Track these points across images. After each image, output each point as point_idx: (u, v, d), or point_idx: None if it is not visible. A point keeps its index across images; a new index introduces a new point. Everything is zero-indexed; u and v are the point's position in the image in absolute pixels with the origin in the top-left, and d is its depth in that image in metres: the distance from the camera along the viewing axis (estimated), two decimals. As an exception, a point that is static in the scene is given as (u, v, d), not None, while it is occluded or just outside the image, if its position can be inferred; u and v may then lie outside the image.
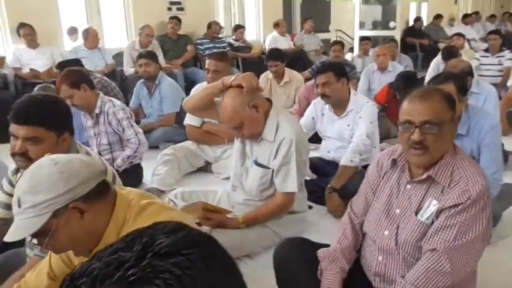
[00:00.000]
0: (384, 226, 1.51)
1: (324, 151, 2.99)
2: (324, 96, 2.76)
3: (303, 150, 2.08)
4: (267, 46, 7.28)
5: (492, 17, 12.25)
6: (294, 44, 7.58)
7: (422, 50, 9.42)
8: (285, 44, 7.29)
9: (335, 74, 2.75)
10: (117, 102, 3.00)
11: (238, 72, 6.24)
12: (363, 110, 2.73)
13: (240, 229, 2.06)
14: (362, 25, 9.92)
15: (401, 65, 6.12)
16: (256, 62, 6.82)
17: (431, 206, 1.41)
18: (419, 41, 9.62)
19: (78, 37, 5.74)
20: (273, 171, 2.09)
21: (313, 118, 2.96)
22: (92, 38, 5.27)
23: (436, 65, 5.56)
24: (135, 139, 2.91)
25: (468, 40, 10.64)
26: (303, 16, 9.22)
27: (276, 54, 4.56)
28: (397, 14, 9.11)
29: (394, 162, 1.54)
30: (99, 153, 2.99)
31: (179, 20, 6.18)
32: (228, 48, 6.66)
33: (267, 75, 4.72)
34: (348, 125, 2.79)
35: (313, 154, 3.45)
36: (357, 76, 5.43)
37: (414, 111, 1.39)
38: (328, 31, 8.93)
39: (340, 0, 14.44)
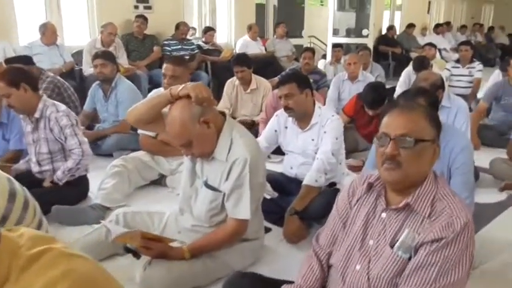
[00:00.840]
0: (355, 260, 1.35)
1: (287, 167, 2.79)
2: (287, 108, 2.56)
3: (258, 171, 1.86)
4: (238, 50, 7.07)
5: (463, 28, 12.42)
6: (266, 49, 7.40)
7: (395, 58, 9.41)
8: (256, 48, 7.10)
9: (298, 85, 2.55)
10: (62, 107, 2.72)
11: (207, 76, 6.05)
12: (327, 124, 2.54)
13: (185, 260, 1.82)
14: (335, 32, 9.84)
15: (373, 74, 6.02)
16: (226, 66, 6.55)
17: (409, 239, 1.25)
18: (391, 50, 9.60)
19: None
20: (224, 194, 1.86)
21: (276, 131, 2.75)
22: (49, 33, 4.93)
23: (407, 75, 5.46)
24: (79, 150, 2.63)
25: (439, 50, 10.72)
26: (276, 21, 9.07)
27: (242, 59, 4.34)
28: (370, 22, 9.06)
29: (370, 186, 1.39)
30: (38, 163, 2.71)
31: (146, 19, 5.90)
32: (197, 51, 6.41)
33: (233, 81, 4.50)
34: (312, 140, 2.60)
35: (276, 168, 3.26)
36: (327, 84, 5.27)
37: (392, 123, 1.30)
38: (302, 37, 8.78)
39: (315, 6, 14.41)
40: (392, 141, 1.26)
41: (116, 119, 3.80)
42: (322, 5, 13.66)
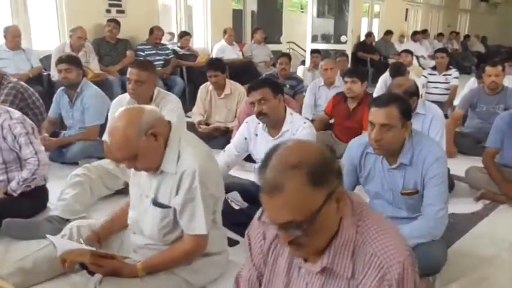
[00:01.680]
0: None
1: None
2: (260, 114, 2.44)
3: (210, 182, 1.72)
4: (214, 55, 6.95)
5: (440, 36, 12.56)
6: (243, 55, 7.30)
7: (373, 65, 9.44)
8: (232, 53, 7.00)
9: (272, 90, 2.45)
10: (16, 114, 2.55)
11: (182, 82, 5.89)
12: (299, 132, 2.44)
13: (139, 277, 1.68)
14: (314, 38, 9.83)
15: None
16: (201, 72, 6.38)
17: None
18: (370, 56, 9.63)
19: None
20: (175, 210, 1.73)
21: (246, 138, 2.63)
22: (10, 37, 4.74)
23: (384, 81, 5.42)
24: (34, 159, 2.46)
25: (417, 57, 10.81)
26: (254, 26, 8.99)
27: (215, 64, 4.23)
28: (349, 28, 9.06)
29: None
30: (-8, 173, 2.53)
31: (118, 23, 5.73)
32: (172, 56, 6.27)
33: (207, 86, 4.38)
34: (283, 148, 2.48)
35: (250, 177, 3.14)
36: (304, 90, 5.19)
37: None
38: (280, 43, 8.72)
39: (295, 13, 14.42)
40: None
41: (82, 126, 3.63)
42: (302, 11, 13.68)
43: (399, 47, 10.44)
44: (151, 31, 6.01)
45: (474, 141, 4.06)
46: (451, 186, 3.03)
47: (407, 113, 1.95)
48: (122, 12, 6.12)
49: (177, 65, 6.31)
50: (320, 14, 10.05)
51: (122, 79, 5.63)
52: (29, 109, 3.91)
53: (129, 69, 2.85)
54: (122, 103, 2.96)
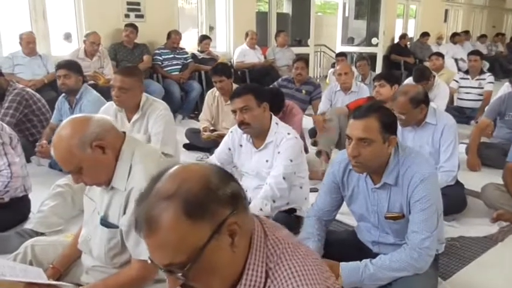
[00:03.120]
0: None
1: (242, 190, 2.47)
2: (243, 124, 2.25)
3: None
4: (235, 59, 6.82)
5: (483, 37, 11.86)
6: (266, 58, 7.11)
7: (407, 68, 8.99)
8: (254, 57, 6.83)
9: (256, 97, 2.25)
10: (-7, 123, 2.48)
11: (199, 87, 5.77)
12: (282, 144, 2.22)
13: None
14: (345, 40, 9.54)
15: (371, 85, 5.66)
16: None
17: None
18: (404, 59, 9.20)
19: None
20: (121, 231, 1.56)
21: (230, 149, 2.45)
22: (25, 43, 4.77)
23: (408, 86, 5.07)
24: (7, 171, 2.38)
25: (456, 60, 10.25)
26: (289, 29, 8.79)
27: (220, 68, 4.06)
28: (380, 30, 8.70)
29: None
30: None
31: (135, 28, 5.69)
32: (190, 60, 6.17)
33: (213, 92, 4.22)
34: (267, 161, 2.28)
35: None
36: (320, 96, 4.94)
37: None
38: (307, 45, 8.46)
39: (329, 15, 14.11)
40: None
41: (81, 133, 3.55)
42: (331, 13, 13.36)
43: (436, 50, 9.93)
44: (169, 35, 5.93)
45: (501, 153, 3.67)
46: (462, 206, 2.72)
47: (390, 126, 1.70)
48: (141, 16, 6.08)
49: (196, 69, 6.21)
50: (351, 15, 9.73)
51: (137, 84, 5.61)
52: (34, 115, 3.90)
53: (113, 76, 2.74)
54: (108, 112, 2.85)
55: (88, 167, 1.48)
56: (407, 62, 9.17)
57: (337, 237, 2.04)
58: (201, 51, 6.53)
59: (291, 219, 2.28)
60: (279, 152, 2.22)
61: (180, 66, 6.03)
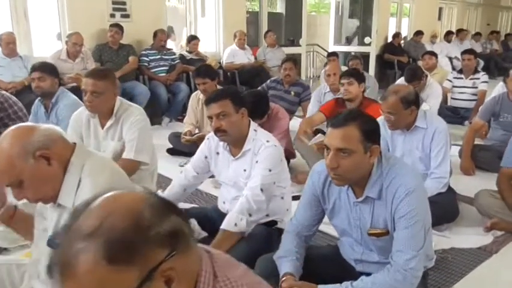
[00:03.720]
0: None
1: (220, 201, 2.33)
2: (218, 131, 2.09)
3: None
4: (224, 60, 6.67)
5: (477, 35, 11.75)
6: (256, 59, 6.96)
7: (400, 67, 8.85)
8: (244, 57, 6.68)
9: (234, 103, 2.09)
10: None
11: (187, 88, 5.60)
12: (260, 152, 2.07)
13: None
14: (337, 40, 9.40)
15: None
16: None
17: None
18: (397, 58, 9.07)
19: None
20: None
21: (206, 157, 2.29)
22: (4, 44, 4.60)
23: (400, 87, 4.93)
24: None
25: (450, 58, 10.13)
26: (283, 29, 8.65)
27: (204, 70, 3.91)
28: (373, 29, 8.57)
29: None
30: None
31: (121, 28, 5.52)
32: (178, 61, 6.02)
33: (197, 95, 4.08)
34: (244, 170, 2.13)
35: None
36: (310, 97, 4.79)
37: None
38: (299, 45, 8.31)
39: (322, 14, 13.97)
40: None
41: (58, 138, 3.39)
42: (325, 12, 13.22)
43: (430, 48, 9.81)
44: (155, 34, 5.77)
45: (496, 156, 3.52)
46: (454, 214, 2.58)
47: (371, 135, 1.55)
48: (127, 16, 5.91)
49: (183, 70, 6.05)
50: (344, 14, 9.60)
51: (123, 86, 5.44)
52: (10, 120, 3.70)
53: (84, 79, 2.58)
54: (80, 118, 2.69)
55: (30, 180, 1.32)
56: (401, 61, 9.03)
57: (318, 253, 1.90)
58: (190, 52, 6.37)
59: (271, 232, 2.13)
60: (257, 161, 2.06)
61: (167, 68, 5.87)
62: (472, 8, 12.73)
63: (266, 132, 2.22)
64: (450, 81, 5.65)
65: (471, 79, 5.51)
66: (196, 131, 4.22)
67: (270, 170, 2.03)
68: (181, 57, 6.24)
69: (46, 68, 3.38)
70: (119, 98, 2.69)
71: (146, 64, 5.74)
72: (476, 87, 5.46)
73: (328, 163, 1.54)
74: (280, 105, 4.86)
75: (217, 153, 2.26)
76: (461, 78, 5.59)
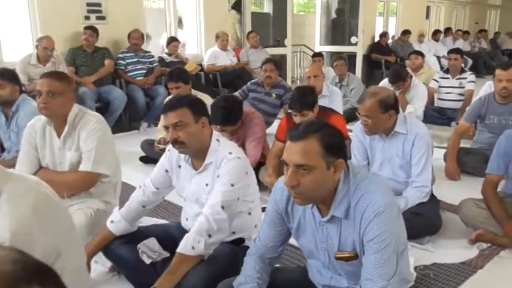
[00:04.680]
0: None
1: (183, 218, 2.14)
2: (176, 142, 1.90)
3: (30, 250, 1.19)
4: (206, 62, 6.48)
5: (465, 34, 11.66)
6: (239, 60, 6.78)
7: (388, 67, 8.70)
8: (225, 59, 6.50)
9: (193, 111, 1.90)
10: None
11: (165, 92, 5.40)
12: (222, 166, 1.89)
13: None
14: (323, 40, 9.26)
15: (349, 86, 5.38)
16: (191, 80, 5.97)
17: None
18: (384, 58, 8.95)
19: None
20: None
21: (167, 171, 2.10)
22: (-32, 50, 4.38)
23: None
24: None
25: (438, 58, 10.02)
26: (271, 30, 8.44)
27: (176, 74, 3.71)
28: (359, 28, 8.42)
29: None
30: None
31: (95, 31, 5.31)
32: (157, 64, 5.81)
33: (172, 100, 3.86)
34: (207, 185, 1.94)
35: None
36: (292, 100, 4.61)
37: None
38: (284, 46, 8.14)
39: (308, 13, 13.82)
40: None
41: (19, 149, 3.19)
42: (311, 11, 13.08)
43: (418, 47, 9.69)
44: (129, 35, 5.56)
45: (482, 160, 3.36)
46: (437, 226, 2.41)
47: (335, 148, 1.37)
48: (103, 18, 5.70)
49: (162, 73, 5.84)
50: (330, 14, 9.45)
51: (98, 90, 5.24)
52: (-29, 129, 3.52)
53: (39, 81, 2.38)
54: (35, 129, 2.49)
55: None
56: (388, 61, 8.92)
57: (284, 277, 1.71)
58: (169, 54, 6.18)
59: (237, 251, 1.95)
60: (218, 176, 1.88)
61: (145, 71, 5.66)
62: (460, 7, 12.66)
63: (230, 142, 2.04)
64: (436, 81, 5.51)
65: (458, 79, 5.37)
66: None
67: (232, 185, 1.84)
68: (161, 60, 6.05)
69: (5, 75, 3.17)
70: (76, 105, 2.49)
71: (123, 68, 5.53)
72: (463, 87, 5.32)
73: (287, 181, 1.36)
74: (260, 108, 4.73)
75: (179, 166, 2.07)
76: (448, 78, 5.44)
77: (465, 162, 3.42)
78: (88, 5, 5.57)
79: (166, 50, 6.23)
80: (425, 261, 2.17)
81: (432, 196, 2.54)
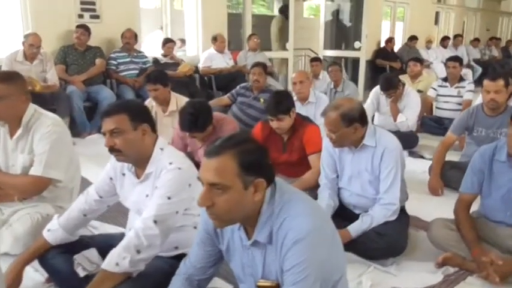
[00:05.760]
0: None
1: (127, 229, 2.03)
2: (112, 150, 1.80)
3: None
4: (201, 64, 6.38)
5: (475, 41, 11.38)
6: (236, 63, 6.67)
7: (393, 73, 8.51)
8: (222, 62, 6.38)
9: (131, 118, 1.79)
10: None
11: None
12: (161, 176, 1.77)
13: None
14: (327, 44, 9.10)
15: (344, 92, 5.23)
16: (183, 82, 5.88)
17: None
18: (389, 64, 8.75)
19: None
20: None
21: (111, 178, 1.99)
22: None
23: (375, 97, 4.62)
24: None
25: (445, 64, 9.76)
26: (281, 34, 8.29)
27: (155, 76, 3.61)
28: (363, 33, 8.24)
29: None
30: None
31: (87, 29, 5.24)
32: (150, 64, 5.73)
33: (151, 102, 3.78)
34: (147, 196, 1.83)
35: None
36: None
37: None
38: (286, 49, 7.99)
39: (317, 17, 13.63)
40: None
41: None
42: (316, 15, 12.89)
43: (425, 54, 9.48)
44: (122, 35, 5.49)
45: (468, 175, 3.21)
46: (401, 247, 2.26)
47: (254, 166, 1.24)
48: (97, 17, 5.64)
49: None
50: (334, 18, 9.28)
51: (87, 90, 5.17)
52: None
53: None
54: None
55: None
56: (393, 66, 8.72)
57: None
58: (164, 55, 6.10)
59: (178, 267, 1.82)
60: (156, 187, 1.77)
61: (137, 71, 5.58)
62: (471, 13, 12.36)
63: (175, 151, 1.92)
64: (435, 89, 5.33)
65: (456, 87, 5.18)
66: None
67: (169, 198, 1.72)
68: (155, 60, 5.97)
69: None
70: (32, 106, 2.39)
71: (114, 67, 5.46)
72: (462, 96, 5.14)
73: (199, 201, 1.24)
74: (248, 112, 4.61)
75: (123, 174, 1.96)
76: (447, 86, 5.26)
77: (450, 177, 3.25)
78: (82, 3, 5.51)
79: (162, 51, 6.15)
80: (385, 285, 2.03)
81: (402, 213, 2.39)
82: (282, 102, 2.78)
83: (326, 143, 2.47)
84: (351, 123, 2.20)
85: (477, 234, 2.16)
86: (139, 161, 1.85)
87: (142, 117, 1.83)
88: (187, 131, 2.84)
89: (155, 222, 1.68)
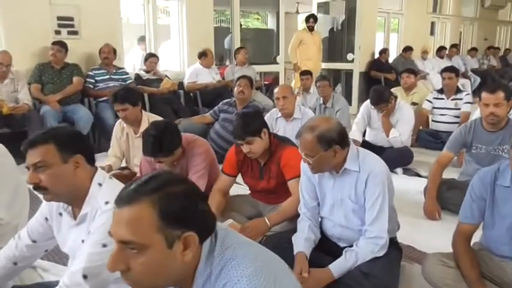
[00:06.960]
0: None
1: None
2: (38, 188, 1.49)
3: None
4: (186, 80, 6.12)
5: (473, 50, 11.16)
6: (224, 78, 6.42)
7: (388, 85, 8.25)
8: (208, 77, 6.11)
9: (60, 148, 1.49)
10: None
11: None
12: (96, 219, 1.47)
13: None
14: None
15: (334, 108, 4.95)
16: (166, 99, 5.62)
17: None
18: (384, 75, 8.51)
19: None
20: None
21: (47, 219, 1.69)
22: None
23: (366, 110, 4.33)
24: None
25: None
26: (264, 46, 8.08)
27: (122, 95, 3.32)
28: (356, 45, 8.02)
29: None
30: None
31: (63, 46, 4.99)
32: (131, 81, 5.47)
33: (121, 123, 3.50)
34: (83, 241, 1.52)
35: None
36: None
37: None
38: (277, 63, 7.75)
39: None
40: None
41: None
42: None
43: (421, 65, 9.24)
44: (100, 51, 5.24)
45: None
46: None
47: (181, 216, 0.95)
48: (75, 33, 5.39)
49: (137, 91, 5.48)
50: (327, 30, 9.06)
51: (63, 110, 4.90)
52: None
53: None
54: None
55: None
56: (388, 78, 8.47)
57: None
58: (147, 71, 5.84)
59: None
60: (89, 232, 1.47)
61: (117, 89, 5.30)
62: (468, 23, 12.16)
63: (116, 187, 1.61)
64: (430, 101, 5.05)
65: (453, 99, 4.91)
66: (123, 164, 3.66)
67: (104, 246, 1.42)
68: (137, 77, 5.71)
69: None
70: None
71: (92, 86, 5.20)
72: (459, 109, 4.86)
73: (109, 264, 0.94)
74: (230, 130, 4.32)
75: (60, 214, 1.66)
76: (443, 98, 4.99)
77: (448, 199, 2.95)
78: (59, 18, 5.28)
79: (144, 67, 5.89)
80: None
81: (393, 247, 2.08)
82: (249, 123, 2.47)
83: (305, 167, 2.17)
84: (330, 146, 1.91)
85: (479, 271, 1.85)
86: (73, 200, 1.55)
87: (74, 147, 1.53)
88: (150, 156, 2.55)
89: (84, 277, 1.38)
